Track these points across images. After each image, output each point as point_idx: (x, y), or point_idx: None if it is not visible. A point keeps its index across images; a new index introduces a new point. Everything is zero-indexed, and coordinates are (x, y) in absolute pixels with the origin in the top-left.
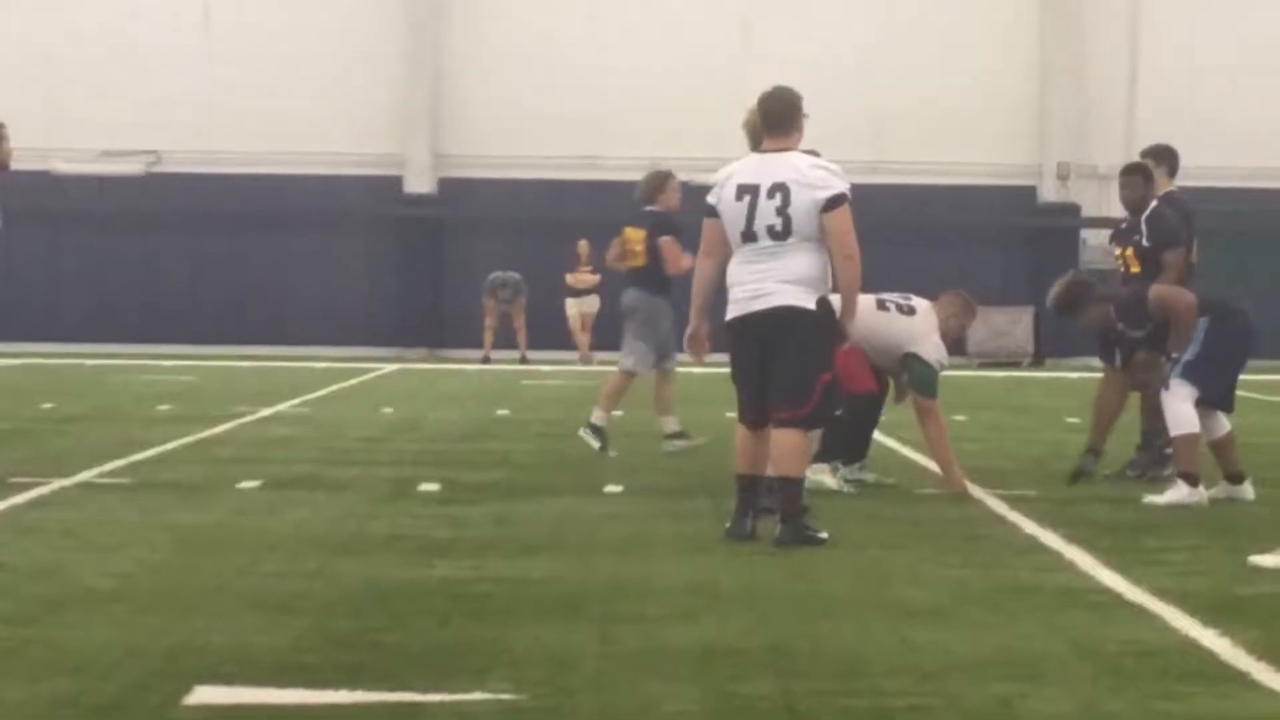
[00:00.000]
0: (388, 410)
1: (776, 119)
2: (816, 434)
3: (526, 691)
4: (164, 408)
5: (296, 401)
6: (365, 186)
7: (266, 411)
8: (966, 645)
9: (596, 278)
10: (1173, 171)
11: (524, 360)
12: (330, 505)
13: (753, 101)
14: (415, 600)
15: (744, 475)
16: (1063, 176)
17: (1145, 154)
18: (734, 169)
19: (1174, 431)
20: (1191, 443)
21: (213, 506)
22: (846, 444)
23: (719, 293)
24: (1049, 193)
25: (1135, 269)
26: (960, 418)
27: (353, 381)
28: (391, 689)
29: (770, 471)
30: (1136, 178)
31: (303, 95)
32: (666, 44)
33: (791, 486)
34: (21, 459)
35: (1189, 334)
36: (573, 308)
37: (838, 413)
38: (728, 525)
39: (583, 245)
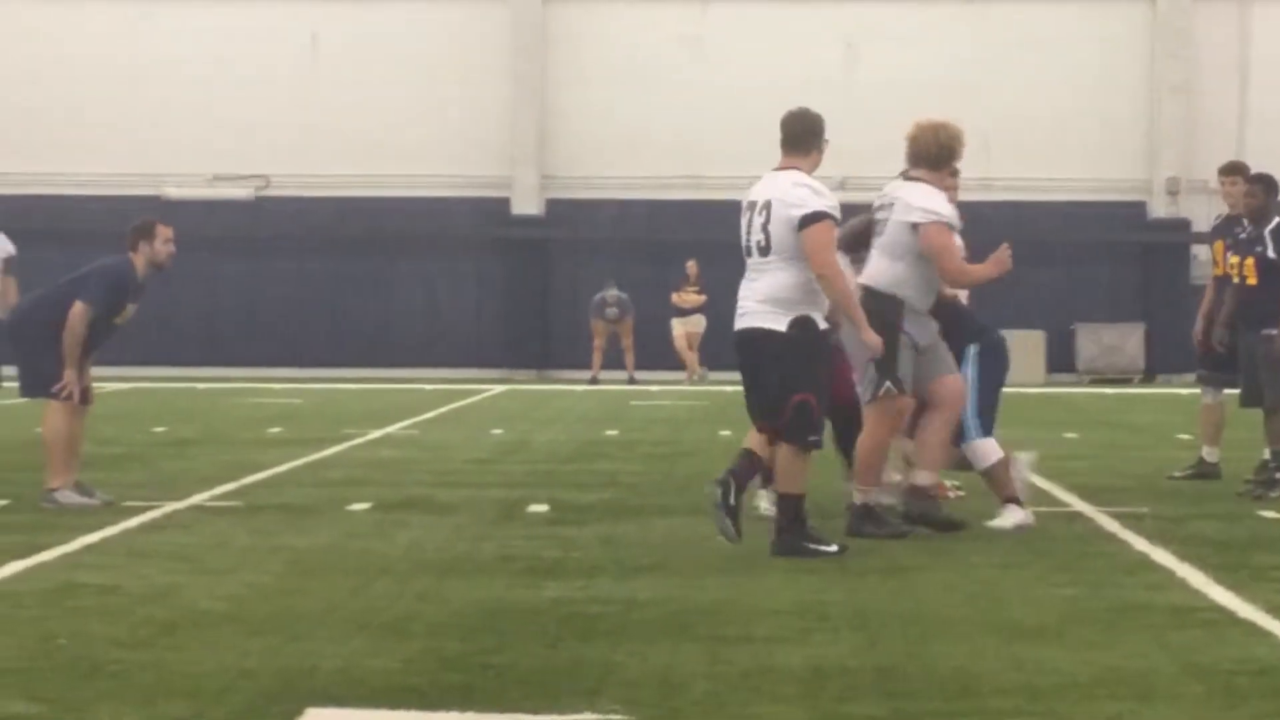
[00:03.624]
0: (496, 432)
1: (792, 138)
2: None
3: (636, 712)
4: (274, 430)
5: (406, 424)
6: (472, 209)
7: (376, 434)
8: (1077, 664)
9: (702, 298)
10: None
11: (632, 380)
12: (440, 527)
13: (922, 118)
14: (525, 621)
15: (744, 448)
16: (1173, 192)
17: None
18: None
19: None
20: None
21: (323, 529)
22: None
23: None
24: (1159, 208)
25: (1252, 280)
26: (1071, 435)
27: (461, 403)
28: (502, 710)
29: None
30: (1258, 186)
31: (410, 118)
32: (770, 64)
33: (784, 501)
34: (134, 482)
35: None
36: (679, 327)
37: (812, 438)
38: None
39: (691, 265)
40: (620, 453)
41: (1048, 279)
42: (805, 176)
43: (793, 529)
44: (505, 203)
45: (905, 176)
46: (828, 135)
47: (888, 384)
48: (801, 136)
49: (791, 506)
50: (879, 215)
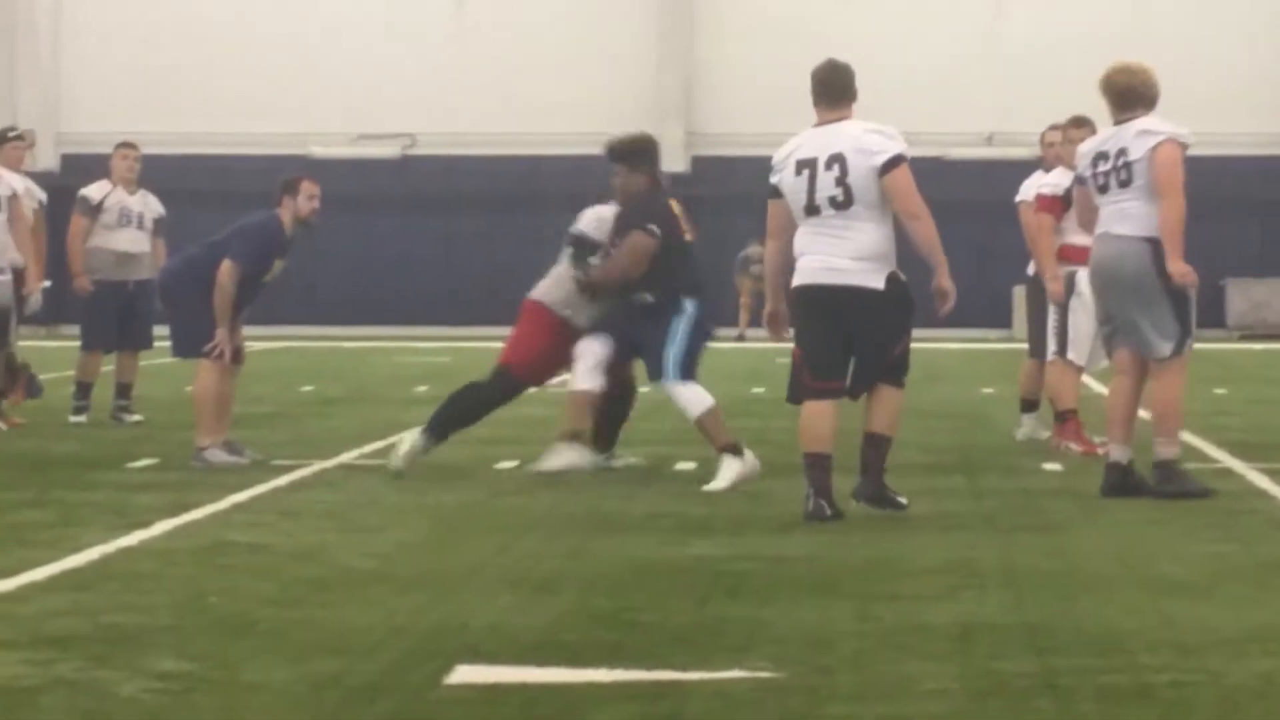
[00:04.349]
0: (643, 389)
1: (833, 91)
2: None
3: (785, 669)
4: (421, 389)
5: (553, 382)
6: None
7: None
8: (1228, 621)
9: None
10: None
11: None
12: (587, 485)
13: (1116, 62)
14: (673, 579)
15: (809, 454)
16: None
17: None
18: (793, 146)
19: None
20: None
21: (471, 487)
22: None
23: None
24: None
25: None
26: (1221, 391)
27: None
28: (651, 667)
29: (873, 428)
30: None
31: (555, 76)
32: (919, 18)
33: (885, 444)
34: (282, 441)
35: None
36: None
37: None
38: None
39: None
40: (767, 410)
41: (1198, 234)
42: (869, 123)
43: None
44: None
45: (1119, 124)
46: (977, 90)
47: (1190, 341)
48: (843, 88)
49: (887, 451)
50: (1100, 169)
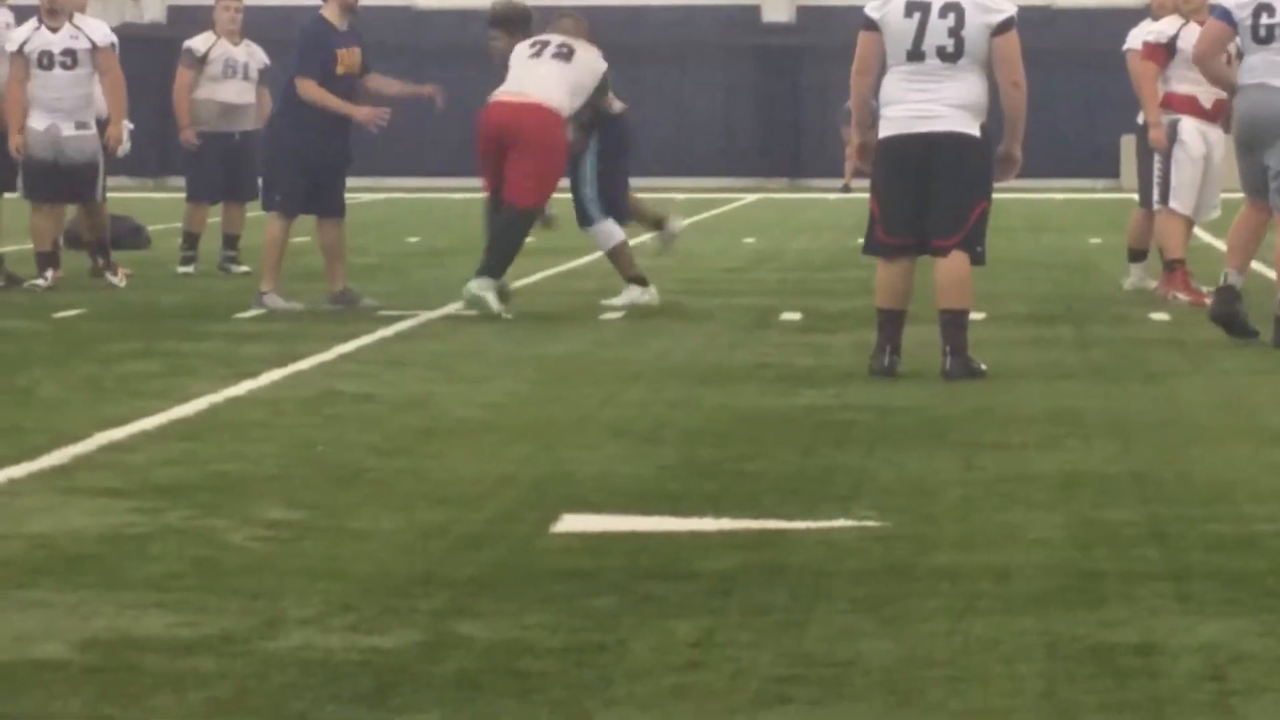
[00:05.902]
0: (748, 240)
1: None
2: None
3: (890, 519)
4: (527, 240)
5: (658, 233)
6: (722, 16)
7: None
8: None
9: None
10: None
11: None
12: (692, 335)
13: None
14: (778, 428)
15: (885, 310)
16: None
17: None
18: None
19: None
20: None
21: (577, 337)
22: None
23: None
24: None
25: None
26: None
27: (713, 212)
28: (755, 516)
29: (948, 304)
30: None
31: None
32: None
33: (959, 319)
34: (389, 292)
35: None
36: None
37: (980, 248)
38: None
39: None
40: (873, 260)
41: None
42: None
43: (966, 346)
44: (755, 10)
45: None
46: None
47: None
48: None
49: (967, 323)
50: (1263, 20)
